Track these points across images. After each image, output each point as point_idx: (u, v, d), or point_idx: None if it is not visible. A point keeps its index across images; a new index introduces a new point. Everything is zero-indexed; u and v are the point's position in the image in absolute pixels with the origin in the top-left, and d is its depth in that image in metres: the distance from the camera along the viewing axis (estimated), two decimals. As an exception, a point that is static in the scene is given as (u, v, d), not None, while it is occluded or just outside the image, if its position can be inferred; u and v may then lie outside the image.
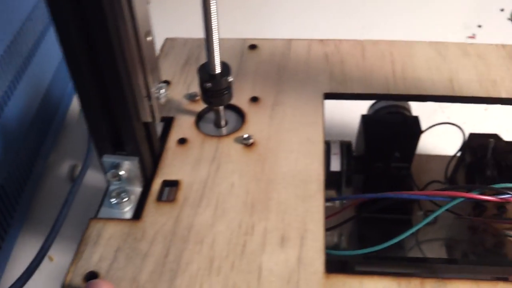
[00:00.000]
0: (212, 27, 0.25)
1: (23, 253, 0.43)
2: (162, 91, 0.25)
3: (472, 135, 0.37)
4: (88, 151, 0.46)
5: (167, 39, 0.36)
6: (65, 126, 0.55)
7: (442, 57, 0.34)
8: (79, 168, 0.50)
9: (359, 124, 0.37)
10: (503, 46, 0.35)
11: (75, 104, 0.57)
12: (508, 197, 0.26)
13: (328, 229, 0.32)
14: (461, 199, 0.26)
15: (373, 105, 0.40)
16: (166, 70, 0.34)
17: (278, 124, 0.29)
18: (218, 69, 0.27)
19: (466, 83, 0.32)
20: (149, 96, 0.24)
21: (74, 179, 0.48)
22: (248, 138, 0.28)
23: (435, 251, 0.34)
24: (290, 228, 0.24)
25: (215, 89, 0.27)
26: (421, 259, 0.34)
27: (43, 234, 0.29)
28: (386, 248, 0.27)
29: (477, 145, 0.37)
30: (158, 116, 0.25)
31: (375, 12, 0.73)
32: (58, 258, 0.43)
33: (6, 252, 0.42)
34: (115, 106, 0.23)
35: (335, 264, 0.29)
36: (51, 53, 0.52)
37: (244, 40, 0.36)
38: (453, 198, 0.25)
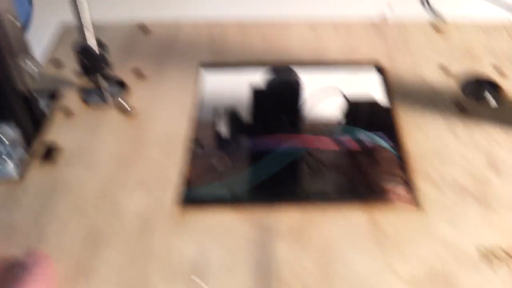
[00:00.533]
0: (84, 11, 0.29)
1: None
2: (31, 65, 0.28)
3: (350, 103, 0.41)
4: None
5: (63, 26, 0.40)
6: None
7: (314, 33, 0.38)
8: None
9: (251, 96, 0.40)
10: (371, 22, 0.40)
11: None
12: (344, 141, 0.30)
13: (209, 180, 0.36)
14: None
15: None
16: (61, 51, 0.37)
17: (156, 93, 0.33)
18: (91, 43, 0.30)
19: (330, 51, 0.36)
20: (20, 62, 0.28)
21: None
22: (127, 108, 0.32)
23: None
24: (152, 178, 0.28)
25: (90, 60, 0.30)
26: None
27: None
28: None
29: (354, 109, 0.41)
30: (31, 83, 0.29)
31: None
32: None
33: None
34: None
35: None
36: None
37: (135, 22, 0.39)
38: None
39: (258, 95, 0.39)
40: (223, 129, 0.37)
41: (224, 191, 0.33)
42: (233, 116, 0.37)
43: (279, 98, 0.39)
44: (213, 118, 0.36)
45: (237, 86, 0.39)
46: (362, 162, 0.37)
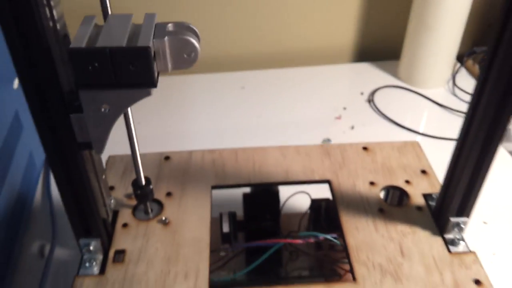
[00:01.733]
0: (136, 152, 0.45)
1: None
2: (112, 201, 0.44)
3: (313, 200, 0.58)
4: (53, 234, 0.63)
5: (109, 157, 0.56)
6: (33, 214, 0.71)
7: (283, 156, 0.56)
8: (47, 247, 0.67)
9: (242, 200, 0.57)
10: (321, 146, 0.58)
11: (38, 195, 0.74)
12: (309, 239, 0.47)
13: (220, 267, 0.52)
14: (281, 244, 0.47)
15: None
16: (112, 178, 0.53)
17: (183, 208, 0.49)
18: (143, 182, 0.47)
19: (295, 172, 0.54)
20: (105, 205, 0.43)
21: (45, 256, 0.65)
22: (165, 220, 0.48)
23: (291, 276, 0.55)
24: (190, 269, 0.44)
25: (142, 194, 0.46)
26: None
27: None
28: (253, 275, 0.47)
29: (316, 206, 0.58)
30: (110, 214, 0.44)
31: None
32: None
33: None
34: (87, 214, 0.42)
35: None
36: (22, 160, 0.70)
37: (161, 153, 0.56)
38: (277, 243, 0.46)
39: (247, 198, 0.56)
40: (226, 227, 0.53)
41: (230, 276, 0.49)
42: (232, 217, 0.54)
43: (263, 201, 0.56)
44: (219, 219, 0.52)
45: (235, 197, 0.56)
46: (323, 251, 0.54)
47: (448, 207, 0.46)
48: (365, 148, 0.57)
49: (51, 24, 0.31)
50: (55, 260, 0.65)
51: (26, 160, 0.71)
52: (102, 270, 0.44)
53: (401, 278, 0.43)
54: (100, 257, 0.45)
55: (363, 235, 0.47)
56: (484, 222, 0.69)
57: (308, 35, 1.06)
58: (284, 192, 0.57)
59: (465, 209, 0.46)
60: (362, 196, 0.51)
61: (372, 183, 0.53)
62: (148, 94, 0.32)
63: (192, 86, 1.01)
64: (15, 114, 0.68)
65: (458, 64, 1.08)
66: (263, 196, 0.56)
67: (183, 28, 0.33)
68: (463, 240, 0.47)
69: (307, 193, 0.58)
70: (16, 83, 0.68)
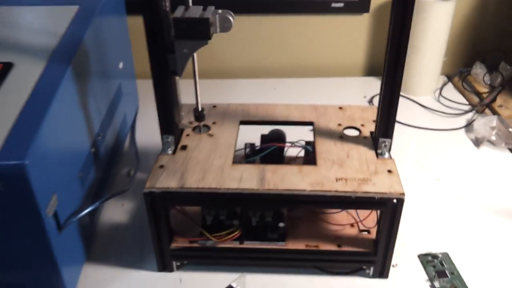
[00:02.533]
0: (197, 89, 0.79)
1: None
2: (182, 114, 0.78)
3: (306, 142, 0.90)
4: (136, 164, 0.98)
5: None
6: (124, 151, 1.07)
7: (287, 109, 0.88)
8: (132, 172, 1.01)
9: (260, 137, 0.89)
10: (311, 105, 0.90)
11: (127, 141, 1.09)
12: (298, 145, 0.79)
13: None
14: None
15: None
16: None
17: (221, 130, 0.82)
18: (199, 109, 0.80)
19: (293, 117, 0.86)
20: (179, 115, 0.77)
21: (130, 176, 0.99)
22: (211, 134, 0.81)
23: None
24: (222, 154, 0.76)
25: (199, 115, 0.80)
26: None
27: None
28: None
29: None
30: (180, 121, 0.79)
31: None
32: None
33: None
34: (169, 117, 0.76)
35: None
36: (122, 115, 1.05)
37: (211, 103, 0.90)
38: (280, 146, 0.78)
39: (264, 136, 0.88)
40: (248, 150, 0.86)
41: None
42: (251, 145, 0.86)
43: (273, 138, 0.88)
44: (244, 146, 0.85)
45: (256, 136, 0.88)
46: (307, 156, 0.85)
47: (379, 133, 0.77)
48: (340, 108, 0.89)
49: (164, 5, 0.66)
50: (136, 179, 0.99)
51: (122, 117, 1.07)
52: (173, 152, 0.77)
53: (343, 166, 0.74)
54: (173, 146, 0.78)
55: (326, 147, 0.78)
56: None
57: (326, 53, 1.40)
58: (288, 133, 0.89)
59: (387, 134, 0.76)
60: (331, 130, 0.82)
61: (339, 124, 0.84)
62: (206, 43, 0.66)
63: (237, 87, 1.37)
64: (118, 85, 1.05)
65: (447, 80, 1.38)
66: (274, 135, 0.89)
67: (226, 13, 0.67)
68: (388, 153, 0.77)
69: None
70: (121, 64, 1.05)
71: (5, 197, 0.60)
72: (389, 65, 0.69)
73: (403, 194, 0.68)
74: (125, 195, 0.92)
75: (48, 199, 0.64)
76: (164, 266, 0.78)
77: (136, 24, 1.06)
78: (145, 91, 1.07)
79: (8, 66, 0.73)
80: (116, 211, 0.92)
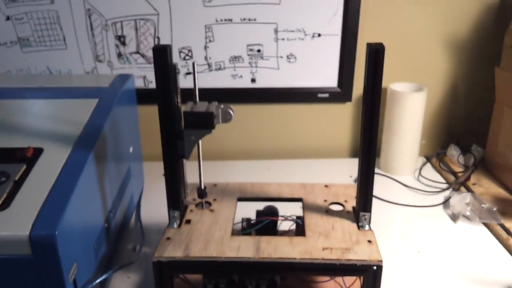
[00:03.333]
0: (201, 174, 0.91)
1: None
2: (187, 192, 0.89)
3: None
4: (141, 240, 1.08)
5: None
6: (130, 227, 1.16)
7: (279, 187, 1.00)
8: (137, 247, 1.10)
9: (255, 212, 0.99)
10: (300, 183, 1.01)
11: (133, 218, 1.19)
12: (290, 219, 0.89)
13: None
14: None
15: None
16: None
17: (221, 206, 0.93)
18: (202, 188, 0.92)
19: (284, 194, 0.97)
20: (184, 192, 0.88)
21: (136, 251, 1.08)
22: (212, 209, 0.92)
23: None
24: (222, 227, 0.86)
25: (201, 193, 0.91)
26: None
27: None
28: None
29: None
30: (185, 199, 0.89)
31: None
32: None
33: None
34: (175, 195, 0.87)
35: None
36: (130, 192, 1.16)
37: (212, 182, 1.02)
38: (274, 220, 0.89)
39: (259, 211, 0.99)
40: (244, 224, 0.96)
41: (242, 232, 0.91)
42: (248, 220, 0.97)
43: (267, 213, 0.98)
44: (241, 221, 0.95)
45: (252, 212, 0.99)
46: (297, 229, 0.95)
47: (359, 208, 0.88)
48: (326, 186, 1.01)
49: (176, 101, 0.80)
50: (142, 253, 1.08)
51: (129, 197, 1.18)
52: (179, 226, 0.87)
53: (329, 237, 0.84)
54: (178, 221, 0.88)
55: (314, 220, 0.89)
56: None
57: (314, 137, 1.55)
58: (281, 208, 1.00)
59: (366, 208, 0.87)
60: (318, 205, 0.93)
61: (325, 200, 0.95)
62: (210, 132, 0.79)
63: (235, 168, 1.49)
64: (128, 168, 1.16)
65: (426, 161, 1.51)
66: (267, 211, 0.99)
67: (227, 107, 0.81)
68: (368, 225, 0.87)
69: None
70: (131, 148, 1.18)
71: (34, 264, 0.69)
72: (364, 148, 0.81)
73: (381, 261, 0.78)
74: (131, 268, 1.00)
75: (70, 267, 0.73)
76: (168, 332, 0.86)
77: (142, 112, 1.25)
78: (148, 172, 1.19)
79: (39, 151, 0.85)
80: (123, 283, 1.00)
